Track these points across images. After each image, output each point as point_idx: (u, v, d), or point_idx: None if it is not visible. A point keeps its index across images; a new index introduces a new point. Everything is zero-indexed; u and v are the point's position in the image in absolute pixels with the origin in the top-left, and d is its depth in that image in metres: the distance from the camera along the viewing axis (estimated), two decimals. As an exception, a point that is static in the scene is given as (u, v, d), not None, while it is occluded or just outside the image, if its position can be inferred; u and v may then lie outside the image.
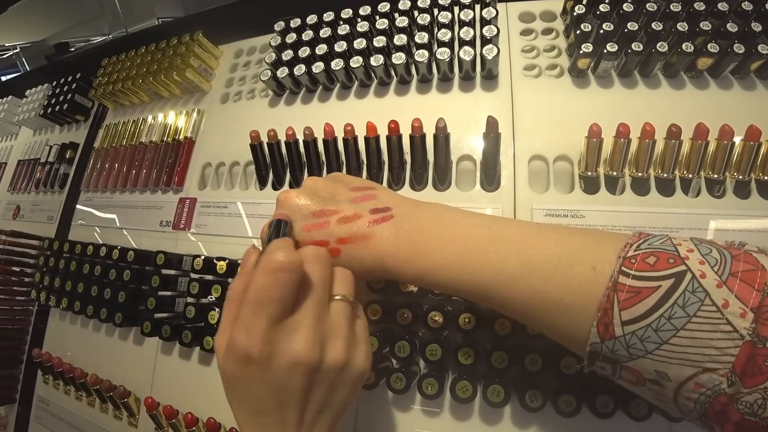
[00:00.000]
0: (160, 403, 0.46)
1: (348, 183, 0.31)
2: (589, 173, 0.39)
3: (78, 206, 0.65)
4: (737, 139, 0.36)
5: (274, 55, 0.52)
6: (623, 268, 0.21)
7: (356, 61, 0.46)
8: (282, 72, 0.50)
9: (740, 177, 0.36)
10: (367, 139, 0.42)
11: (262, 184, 0.49)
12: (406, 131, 0.41)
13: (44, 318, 0.62)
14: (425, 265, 0.26)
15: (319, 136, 0.45)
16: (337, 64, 0.47)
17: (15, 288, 0.63)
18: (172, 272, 0.50)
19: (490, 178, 0.40)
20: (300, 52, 0.50)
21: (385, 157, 0.44)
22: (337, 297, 0.26)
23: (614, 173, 0.38)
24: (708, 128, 0.36)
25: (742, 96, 0.40)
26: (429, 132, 0.41)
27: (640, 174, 0.38)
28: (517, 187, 0.40)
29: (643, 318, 0.20)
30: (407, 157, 0.43)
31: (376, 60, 0.45)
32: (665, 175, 0.37)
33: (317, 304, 0.25)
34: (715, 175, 0.37)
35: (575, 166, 0.40)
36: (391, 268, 0.27)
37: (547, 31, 0.47)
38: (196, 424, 0.44)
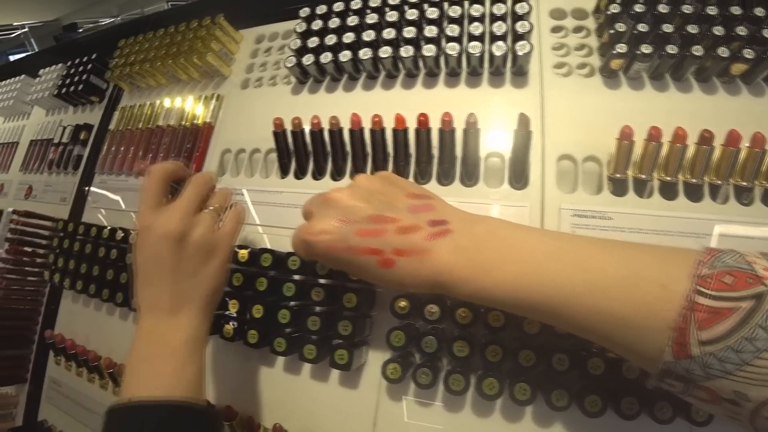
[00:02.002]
0: (176, 388, 0.46)
1: (403, 187, 0.30)
2: (618, 175, 0.38)
3: (92, 188, 0.65)
4: (768, 147, 0.36)
5: (299, 41, 0.51)
6: (699, 288, 0.20)
7: (385, 51, 0.45)
8: (308, 59, 0.49)
9: (769, 185, 0.36)
10: (395, 131, 0.42)
11: (284, 172, 0.49)
12: (433, 125, 0.41)
13: (56, 299, 0.61)
14: (484, 284, 0.25)
15: (345, 126, 0.45)
16: (365, 54, 0.46)
17: (27, 268, 0.63)
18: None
19: (519, 175, 0.40)
20: (326, 40, 0.49)
21: (412, 150, 0.43)
22: (209, 208, 0.38)
23: (643, 176, 0.38)
24: (741, 135, 0.36)
25: (775, 103, 0.40)
26: (457, 126, 0.40)
27: (669, 178, 0.38)
28: (545, 186, 0.39)
29: (723, 339, 0.19)
30: (434, 152, 0.43)
31: (406, 51, 0.44)
32: (695, 180, 0.37)
33: (185, 202, 0.36)
34: (744, 183, 0.37)
35: (604, 168, 0.40)
36: (447, 285, 0.26)
37: (578, 29, 0.47)
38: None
